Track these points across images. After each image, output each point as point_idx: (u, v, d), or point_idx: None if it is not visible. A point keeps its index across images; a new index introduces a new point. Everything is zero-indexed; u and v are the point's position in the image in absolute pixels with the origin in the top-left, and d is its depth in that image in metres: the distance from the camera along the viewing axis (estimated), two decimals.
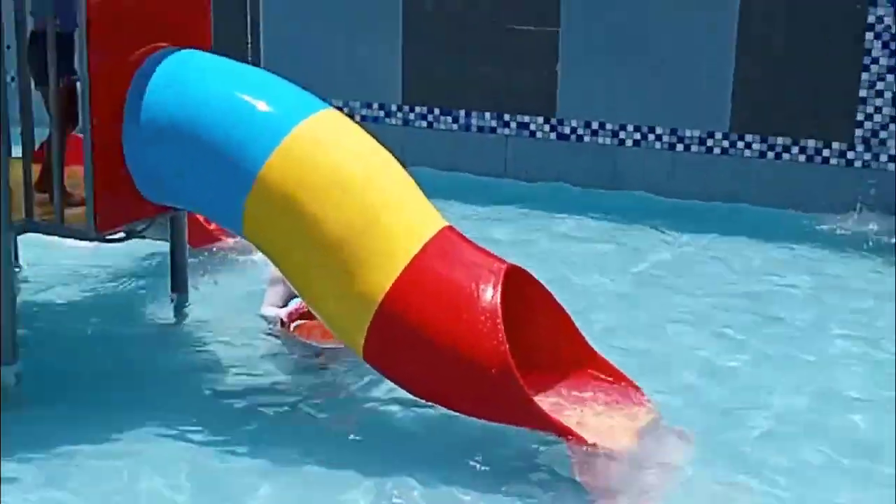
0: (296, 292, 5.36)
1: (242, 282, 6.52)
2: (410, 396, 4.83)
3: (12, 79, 5.25)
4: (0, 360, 5.13)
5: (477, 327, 4.52)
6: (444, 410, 4.76)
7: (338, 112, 5.16)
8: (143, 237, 6.01)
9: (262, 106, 4.97)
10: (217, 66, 5.21)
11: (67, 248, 6.65)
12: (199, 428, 4.87)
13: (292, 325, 5.63)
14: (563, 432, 4.49)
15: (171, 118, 5.00)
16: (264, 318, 5.79)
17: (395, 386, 4.84)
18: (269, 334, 5.76)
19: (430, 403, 4.82)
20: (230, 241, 7.21)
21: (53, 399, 5.13)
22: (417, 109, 9.16)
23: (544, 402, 4.66)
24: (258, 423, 4.97)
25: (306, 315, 5.56)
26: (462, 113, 9.04)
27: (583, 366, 4.90)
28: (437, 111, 9.12)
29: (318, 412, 5.08)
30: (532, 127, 8.82)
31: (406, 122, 9.19)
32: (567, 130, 8.72)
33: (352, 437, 4.82)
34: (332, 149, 4.93)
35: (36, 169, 5.33)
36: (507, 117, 8.89)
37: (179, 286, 6.27)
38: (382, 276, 4.67)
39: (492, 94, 8.90)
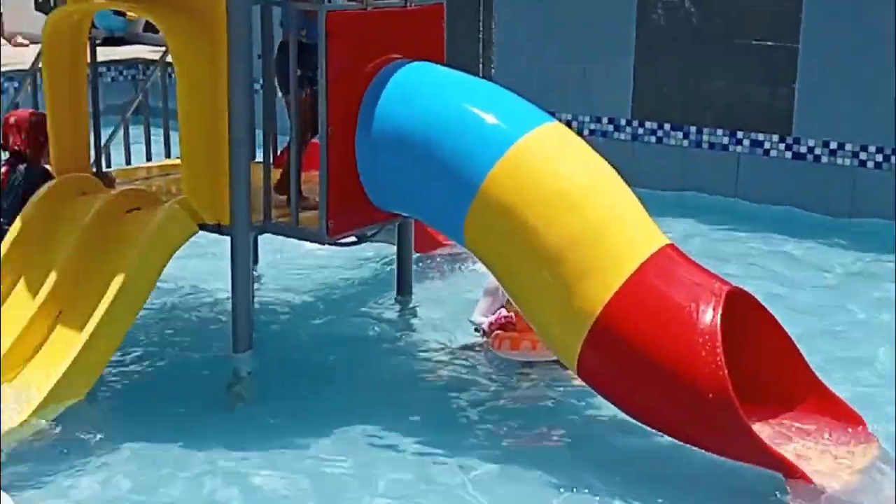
0: (507, 303, 5.42)
1: (462, 288, 6.63)
2: (612, 414, 4.77)
3: (260, 87, 5.54)
4: (238, 348, 5.43)
5: (695, 349, 4.43)
6: (653, 434, 4.69)
7: (562, 125, 5.19)
8: (372, 241, 6.24)
9: (487, 118, 5.06)
10: (446, 79, 5.34)
11: (305, 251, 6.99)
12: (401, 432, 4.96)
13: (491, 336, 5.67)
14: (783, 467, 4.32)
15: (401, 128, 5.16)
16: (473, 324, 5.88)
17: (598, 404, 4.80)
18: (474, 343, 5.85)
19: (639, 425, 4.75)
20: (454, 248, 7.37)
21: (283, 394, 5.37)
22: (647, 125, 9.06)
23: (763, 432, 4.51)
24: (461, 433, 4.99)
25: (505, 326, 5.58)
26: (693, 129, 8.88)
27: (807, 396, 4.71)
28: (667, 126, 9.00)
29: (517, 426, 5.06)
30: (766, 145, 8.56)
31: (635, 136, 9.11)
32: (803, 150, 8.41)
33: (550, 450, 4.82)
34: (555, 161, 4.96)
35: (276, 173, 5.62)
36: (739, 134, 8.66)
37: (404, 289, 6.46)
38: (601, 289, 4.65)
39: (724, 111, 8.70)
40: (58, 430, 4.81)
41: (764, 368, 4.75)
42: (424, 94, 5.22)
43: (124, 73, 12.04)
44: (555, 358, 5.25)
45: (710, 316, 4.49)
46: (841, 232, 7.91)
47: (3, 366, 5.08)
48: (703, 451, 4.54)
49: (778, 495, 4.33)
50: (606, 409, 4.89)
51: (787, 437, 4.58)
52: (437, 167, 5.04)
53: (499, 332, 5.60)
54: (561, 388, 5.32)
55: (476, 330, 5.83)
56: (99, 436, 4.82)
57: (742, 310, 4.69)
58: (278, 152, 5.95)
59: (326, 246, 5.79)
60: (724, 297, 4.56)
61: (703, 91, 8.78)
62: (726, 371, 4.36)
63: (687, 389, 4.43)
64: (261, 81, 5.61)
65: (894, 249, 7.18)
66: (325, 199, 5.28)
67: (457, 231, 5.07)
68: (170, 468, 4.63)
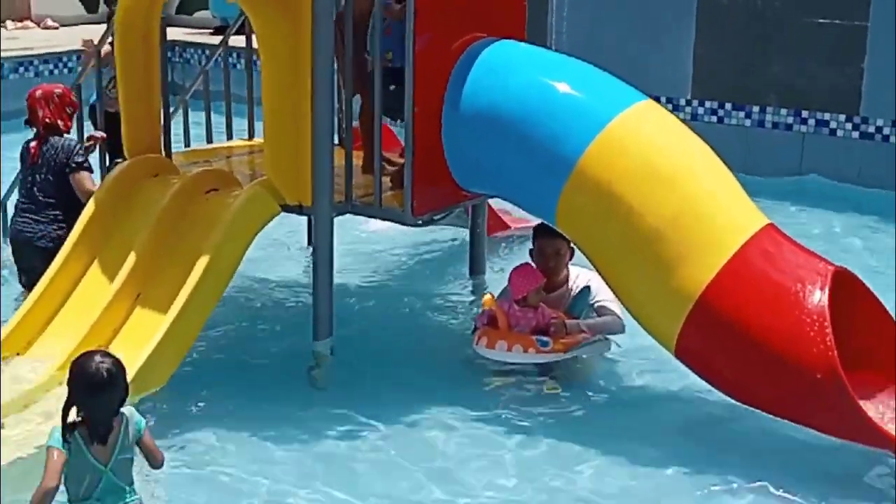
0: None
1: None
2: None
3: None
4: (318, 335, 5.35)
5: (803, 329, 4.34)
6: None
7: (655, 103, 5.09)
8: (442, 224, 6.16)
9: (580, 97, 4.97)
10: (536, 56, 5.24)
11: (365, 232, 6.91)
12: (473, 418, 4.90)
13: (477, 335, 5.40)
14: (892, 444, 4.24)
15: (490, 107, 5.06)
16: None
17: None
18: None
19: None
20: (521, 230, 7.29)
21: (357, 377, 5.30)
22: (707, 104, 8.93)
23: (867, 409, 4.42)
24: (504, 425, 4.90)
25: (492, 322, 5.33)
26: (755, 108, 8.74)
27: None
28: (728, 106, 8.86)
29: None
30: (833, 125, 8.42)
31: (695, 116, 8.98)
32: (871, 129, 8.27)
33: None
34: (652, 140, 4.86)
35: (358, 155, 5.53)
36: (805, 114, 8.52)
37: (478, 269, 6.38)
38: (702, 269, 4.55)
39: (788, 90, 8.56)
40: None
41: (866, 347, 4.66)
42: (514, 72, 5.11)
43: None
44: (533, 360, 5.16)
45: (817, 296, 4.40)
46: None
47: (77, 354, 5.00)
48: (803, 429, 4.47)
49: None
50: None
51: (891, 416, 4.48)
52: (529, 146, 4.93)
53: (484, 328, 5.37)
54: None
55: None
56: (178, 427, 4.75)
57: (845, 289, 4.59)
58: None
59: (390, 226, 5.66)
60: (830, 277, 4.45)
61: (765, 70, 8.63)
62: (835, 352, 4.26)
63: (794, 369, 4.34)
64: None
65: None
66: (410, 179, 5.18)
67: (549, 211, 4.98)
68: (256, 454, 4.60)
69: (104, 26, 7.33)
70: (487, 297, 5.38)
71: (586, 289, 5.46)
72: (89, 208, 5.54)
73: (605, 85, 5.07)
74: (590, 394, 5.17)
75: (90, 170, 5.88)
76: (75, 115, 6.07)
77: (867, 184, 8.24)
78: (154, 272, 5.25)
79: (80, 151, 5.88)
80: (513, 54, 5.22)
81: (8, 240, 6.04)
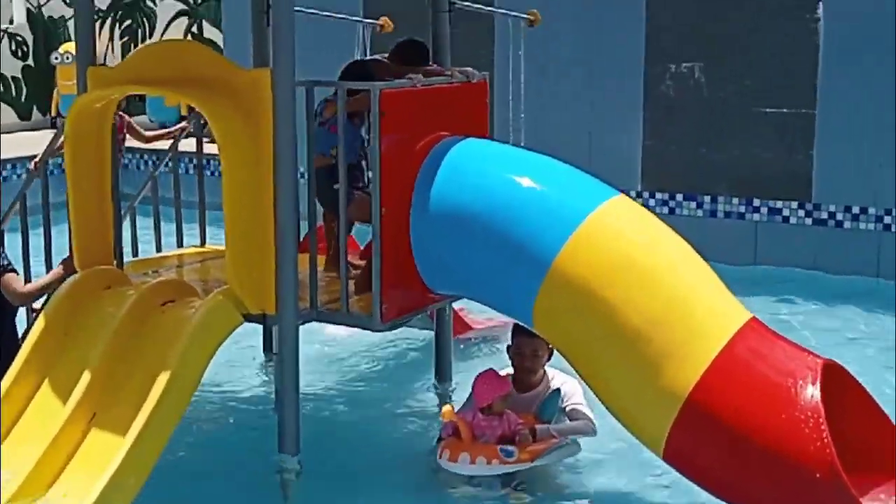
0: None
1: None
2: None
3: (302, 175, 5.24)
4: (285, 449, 5.10)
5: (798, 427, 4.22)
6: None
7: (628, 198, 5.01)
8: (408, 326, 5.97)
9: (552, 194, 4.87)
10: (504, 154, 5.16)
11: (327, 336, 6.70)
12: None
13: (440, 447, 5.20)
14: None
15: (460, 207, 4.93)
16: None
17: None
18: None
19: None
20: (485, 330, 7.15)
21: (324, 491, 5.06)
22: (658, 195, 8.94)
23: None
24: None
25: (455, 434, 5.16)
26: (706, 198, 8.76)
27: None
28: (679, 196, 8.88)
29: None
30: (785, 212, 8.46)
31: (646, 207, 8.94)
32: (824, 215, 8.32)
33: None
34: (628, 236, 4.76)
35: (320, 260, 5.36)
36: (756, 202, 8.56)
37: (444, 376, 6.19)
38: (688, 369, 4.43)
39: (739, 179, 8.60)
40: None
41: (855, 440, 4.53)
42: (482, 171, 5.01)
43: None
44: (498, 471, 5.01)
45: (809, 391, 4.29)
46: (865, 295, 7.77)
47: (35, 480, 4.70)
48: None
49: None
50: None
51: None
52: (502, 247, 4.80)
53: (448, 439, 5.19)
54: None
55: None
56: None
57: (832, 382, 4.48)
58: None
59: (349, 330, 5.46)
60: (820, 371, 4.35)
61: (715, 160, 8.69)
62: (833, 449, 4.14)
63: (791, 469, 4.21)
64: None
65: None
66: (378, 283, 5.00)
67: (525, 312, 4.82)
68: None
69: (39, 133, 7.12)
70: (447, 408, 5.20)
71: (556, 392, 5.32)
72: (39, 324, 5.26)
73: (576, 181, 4.98)
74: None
75: (15, 271, 5.62)
76: None
77: (823, 269, 8.25)
78: (110, 390, 4.96)
79: (3, 254, 5.62)
80: (480, 152, 5.12)
81: None
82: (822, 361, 4.42)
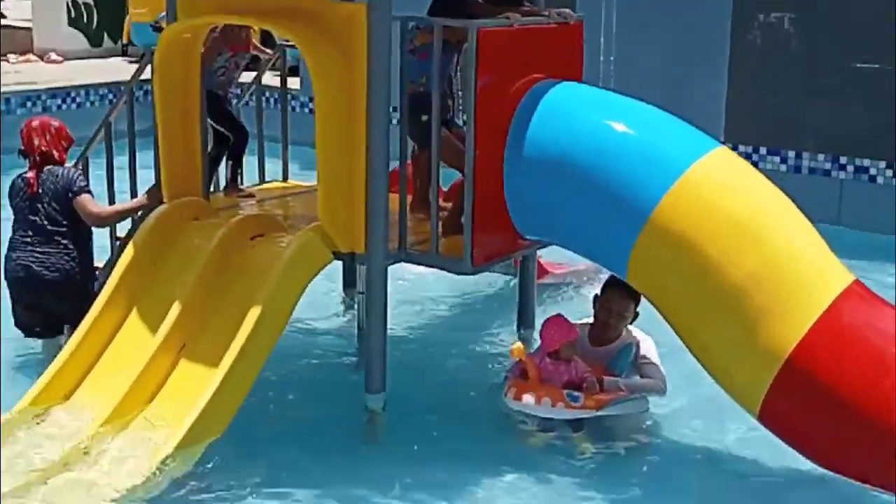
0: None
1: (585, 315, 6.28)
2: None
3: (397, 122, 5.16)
4: (371, 388, 5.09)
5: None
6: None
7: (730, 151, 4.88)
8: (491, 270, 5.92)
9: (653, 143, 4.75)
10: (602, 99, 5.04)
11: (409, 277, 6.66)
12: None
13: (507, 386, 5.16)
14: None
15: (557, 152, 4.83)
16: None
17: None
18: None
19: None
20: (559, 274, 7.08)
21: (406, 434, 5.05)
22: (741, 149, 8.74)
23: None
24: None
25: (525, 371, 5.10)
26: (791, 153, 8.56)
27: None
28: (762, 150, 8.68)
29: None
30: (872, 171, 8.25)
31: None
32: None
33: None
34: (731, 190, 4.64)
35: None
36: (843, 160, 8.35)
37: (527, 321, 6.12)
38: (790, 328, 4.33)
39: (826, 135, 8.39)
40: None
41: None
42: (580, 116, 4.89)
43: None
44: (562, 415, 4.94)
45: None
46: None
47: (123, 408, 4.75)
48: None
49: None
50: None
51: None
52: (599, 194, 4.71)
53: (514, 379, 5.14)
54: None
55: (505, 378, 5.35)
56: (232, 479, 4.56)
57: None
58: None
59: (431, 270, 5.40)
60: None
61: (802, 115, 8.47)
62: None
63: (893, 438, 4.09)
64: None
65: None
66: (470, 226, 4.94)
67: (620, 263, 4.74)
68: None
69: (110, 60, 7.08)
70: (517, 345, 5.14)
71: (629, 346, 5.24)
72: (127, 254, 5.28)
73: (678, 130, 4.86)
74: (623, 451, 4.96)
75: (91, 192, 5.62)
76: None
77: None
78: (199, 322, 4.99)
79: (81, 177, 5.61)
80: (578, 97, 5.00)
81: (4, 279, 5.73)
82: None
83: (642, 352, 5.24)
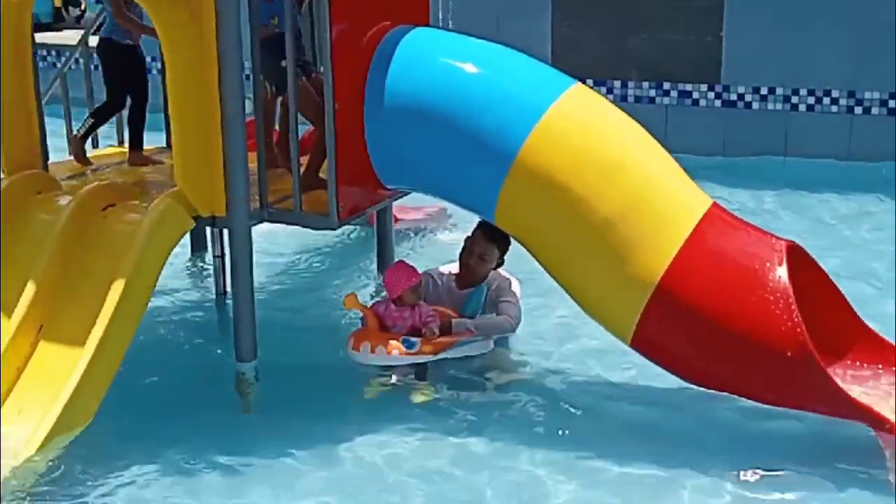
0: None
1: (439, 262, 6.29)
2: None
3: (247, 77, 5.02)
4: (242, 356, 5.01)
5: (768, 308, 4.32)
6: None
7: (585, 87, 4.95)
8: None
9: (512, 86, 4.78)
10: (456, 44, 5.01)
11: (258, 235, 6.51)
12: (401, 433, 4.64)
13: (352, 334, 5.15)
14: (870, 417, 4.26)
15: (418, 100, 4.80)
16: None
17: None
18: None
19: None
20: (409, 220, 7.09)
21: (284, 397, 4.95)
22: None
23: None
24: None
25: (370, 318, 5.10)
26: (616, 83, 8.80)
27: (857, 344, 4.69)
28: (589, 82, 8.87)
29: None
30: (695, 95, 8.57)
31: None
32: (734, 97, 8.46)
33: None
34: (591, 127, 4.73)
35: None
36: (666, 86, 8.63)
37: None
38: (657, 257, 4.47)
39: (650, 64, 8.65)
40: (57, 461, 4.31)
41: (816, 319, 4.67)
42: (437, 61, 4.87)
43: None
44: (398, 362, 4.97)
45: (778, 272, 4.39)
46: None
47: None
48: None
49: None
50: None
51: (848, 386, 4.52)
52: (463, 139, 4.71)
53: (356, 330, 5.16)
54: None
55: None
56: (108, 460, 4.37)
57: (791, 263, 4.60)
58: None
59: (271, 228, 5.30)
60: (785, 252, 4.45)
61: (625, 45, 8.69)
62: (804, 327, 4.27)
63: (763, 349, 4.32)
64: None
65: None
66: (334, 181, 4.88)
67: (488, 207, 4.77)
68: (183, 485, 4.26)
69: None
70: (349, 297, 5.12)
71: (480, 287, 5.29)
72: None
73: (534, 70, 4.90)
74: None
75: None
76: None
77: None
78: (57, 301, 4.78)
79: None
80: (432, 42, 4.98)
81: None
82: (786, 243, 4.52)
83: (497, 291, 5.28)
